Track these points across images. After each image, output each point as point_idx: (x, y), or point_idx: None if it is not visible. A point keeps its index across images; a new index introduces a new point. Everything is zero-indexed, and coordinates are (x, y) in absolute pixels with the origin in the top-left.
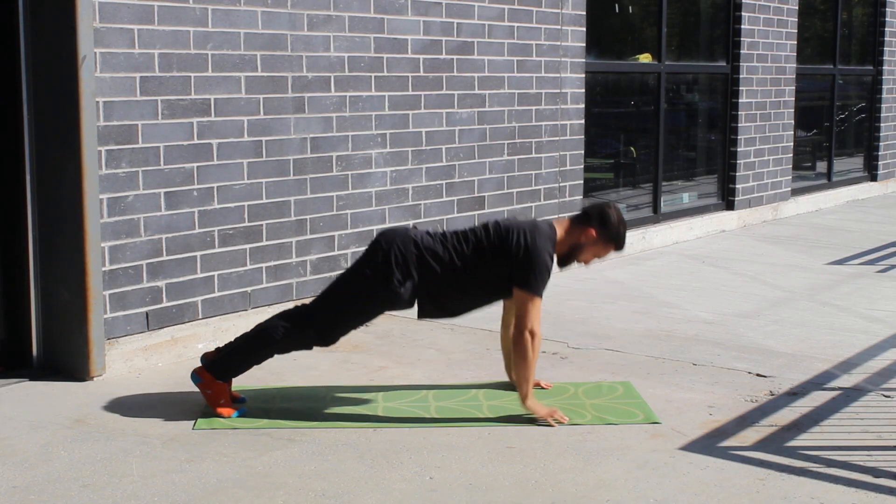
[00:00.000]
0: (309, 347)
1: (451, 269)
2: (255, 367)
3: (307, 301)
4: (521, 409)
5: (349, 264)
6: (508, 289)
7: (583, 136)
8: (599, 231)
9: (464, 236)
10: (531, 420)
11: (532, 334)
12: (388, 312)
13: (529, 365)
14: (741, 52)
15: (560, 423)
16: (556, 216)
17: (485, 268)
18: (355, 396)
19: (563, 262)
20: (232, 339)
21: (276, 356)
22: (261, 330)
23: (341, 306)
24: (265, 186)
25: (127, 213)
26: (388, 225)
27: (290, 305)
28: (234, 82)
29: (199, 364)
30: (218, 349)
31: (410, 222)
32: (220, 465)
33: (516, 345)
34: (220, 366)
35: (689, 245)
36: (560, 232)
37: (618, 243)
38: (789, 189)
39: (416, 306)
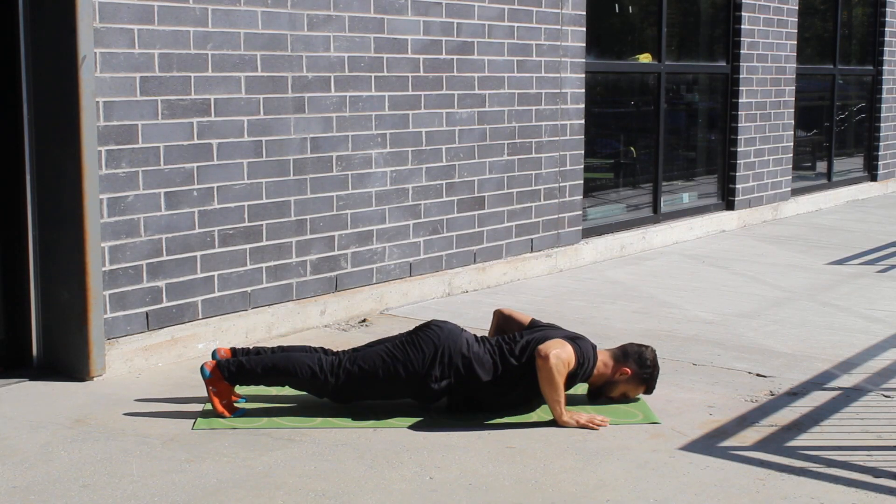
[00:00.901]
0: (321, 397)
1: (492, 379)
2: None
3: (345, 349)
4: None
5: (350, 265)
6: (571, 382)
7: (583, 136)
8: (634, 371)
9: (510, 343)
10: (531, 420)
11: (557, 358)
12: (386, 313)
13: (557, 387)
14: (741, 52)
15: (602, 425)
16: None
17: (527, 380)
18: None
19: (593, 395)
20: (255, 349)
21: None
22: (288, 363)
23: (373, 380)
24: (265, 186)
25: (127, 213)
26: (389, 226)
27: (290, 305)
28: (234, 82)
29: (210, 359)
30: (233, 350)
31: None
32: (220, 465)
33: (540, 370)
34: (233, 371)
35: (689, 245)
36: (600, 362)
37: (649, 386)
38: (789, 189)
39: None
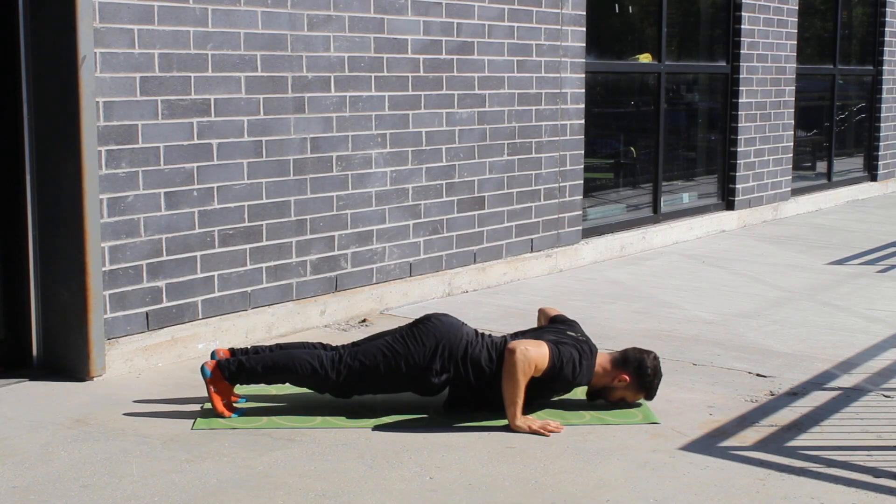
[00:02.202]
0: (322, 392)
1: (489, 374)
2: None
3: (344, 343)
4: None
5: (350, 265)
6: (549, 391)
7: (583, 136)
8: (633, 379)
9: (511, 340)
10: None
11: (523, 355)
12: (386, 313)
13: (517, 385)
14: (741, 52)
15: (556, 431)
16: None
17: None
18: (356, 396)
19: (591, 397)
20: (254, 348)
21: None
22: (288, 360)
23: (374, 375)
24: (265, 186)
25: (127, 213)
26: (389, 226)
27: (290, 305)
28: (234, 82)
29: (210, 360)
30: (232, 350)
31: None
32: (220, 465)
33: (506, 362)
34: (234, 370)
35: (689, 245)
36: (598, 365)
37: (648, 393)
38: (789, 189)
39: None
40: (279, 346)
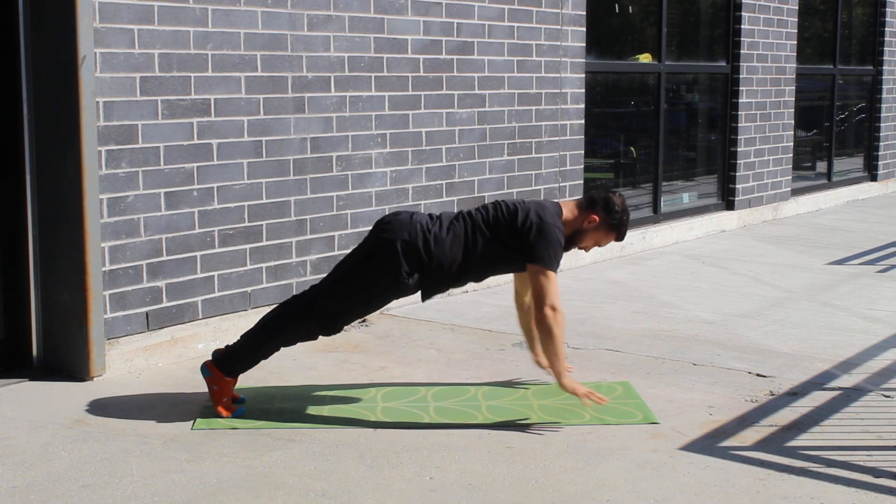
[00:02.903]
0: (314, 338)
1: (457, 253)
2: (261, 361)
3: (307, 289)
4: (520, 409)
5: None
6: (517, 263)
7: (583, 136)
8: (602, 218)
9: (469, 216)
10: (531, 421)
11: (553, 309)
12: (386, 313)
13: (557, 341)
14: (741, 52)
15: (601, 402)
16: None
17: (493, 246)
18: (355, 396)
19: (564, 247)
20: (239, 337)
21: (281, 349)
22: (265, 322)
23: (347, 297)
24: (265, 186)
25: (127, 213)
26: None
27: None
28: (234, 82)
29: (209, 359)
30: (227, 346)
31: (411, 210)
32: (220, 465)
33: (540, 324)
34: (227, 360)
35: (689, 245)
36: (565, 213)
37: (619, 232)
38: (789, 189)
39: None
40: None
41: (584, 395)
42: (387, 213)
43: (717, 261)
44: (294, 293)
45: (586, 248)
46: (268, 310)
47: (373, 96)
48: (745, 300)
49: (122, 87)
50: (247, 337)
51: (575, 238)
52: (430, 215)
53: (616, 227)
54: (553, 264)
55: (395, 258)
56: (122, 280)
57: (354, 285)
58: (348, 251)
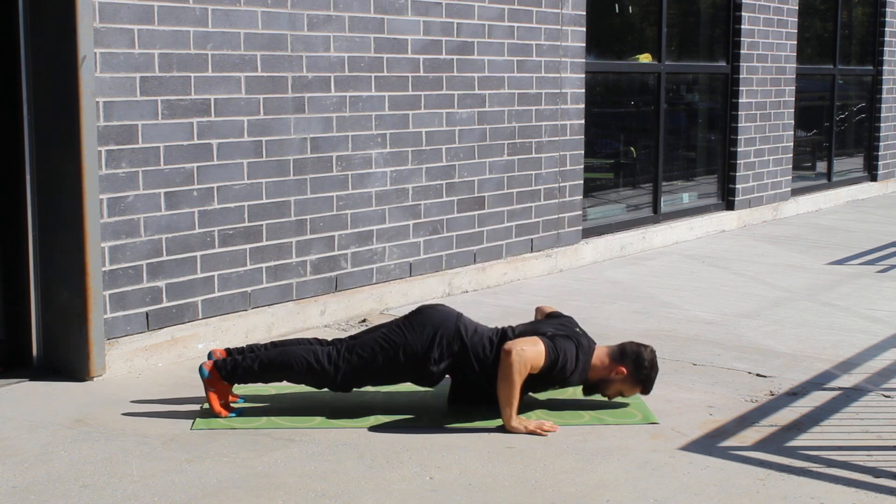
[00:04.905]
0: (320, 388)
1: (492, 361)
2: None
3: (340, 338)
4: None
5: (350, 265)
6: (543, 385)
7: (583, 136)
8: (630, 371)
9: (510, 334)
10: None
11: (519, 356)
12: (387, 313)
13: (512, 386)
14: (741, 52)
15: (552, 431)
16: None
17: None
18: (355, 396)
19: (588, 391)
20: (249, 346)
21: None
22: (284, 357)
23: (373, 367)
24: (265, 186)
25: (127, 213)
26: (389, 226)
27: (290, 305)
28: (234, 82)
29: (207, 359)
30: (228, 350)
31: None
32: (220, 465)
33: (501, 363)
34: (230, 369)
35: (689, 245)
36: (595, 359)
37: (645, 387)
38: (789, 189)
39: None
40: (274, 344)
41: (534, 430)
42: (387, 213)
43: (717, 261)
44: (294, 293)
45: (610, 397)
46: (268, 309)
47: (373, 96)
48: (745, 300)
49: (122, 87)
50: (260, 359)
51: (600, 385)
52: (476, 323)
53: (643, 382)
54: (553, 345)
55: (430, 343)
56: (122, 280)
57: (385, 359)
58: (348, 251)
